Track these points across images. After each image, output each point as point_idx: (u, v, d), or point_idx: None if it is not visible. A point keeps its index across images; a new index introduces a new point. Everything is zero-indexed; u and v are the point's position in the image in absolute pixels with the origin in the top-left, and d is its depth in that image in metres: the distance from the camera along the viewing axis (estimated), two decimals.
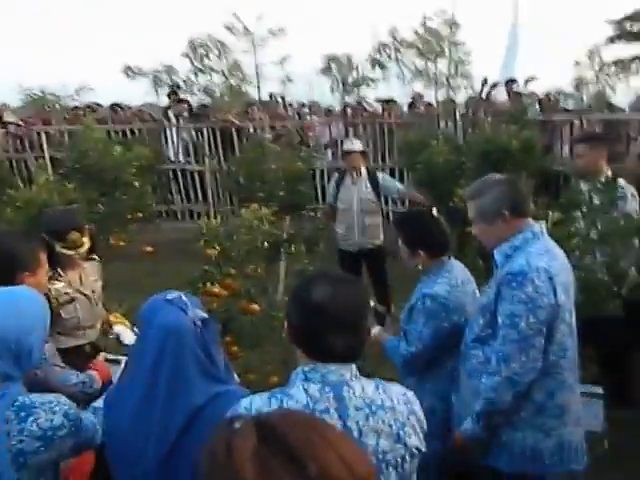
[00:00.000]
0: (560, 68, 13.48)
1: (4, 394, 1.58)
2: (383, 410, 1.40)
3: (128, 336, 2.91)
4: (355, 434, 1.37)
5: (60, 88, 11.64)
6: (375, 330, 2.69)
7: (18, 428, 1.53)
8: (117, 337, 3.00)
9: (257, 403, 1.37)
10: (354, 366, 1.43)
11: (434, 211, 2.66)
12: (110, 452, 1.68)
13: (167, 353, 1.59)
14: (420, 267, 2.55)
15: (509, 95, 8.67)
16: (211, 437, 0.80)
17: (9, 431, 1.52)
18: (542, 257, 2.05)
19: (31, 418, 1.54)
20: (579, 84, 10.92)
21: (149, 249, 7.42)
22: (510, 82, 9.08)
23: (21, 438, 1.52)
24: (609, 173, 3.70)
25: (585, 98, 9.92)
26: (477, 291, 2.62)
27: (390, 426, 1.40)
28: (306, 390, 1.37)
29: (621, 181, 3.57)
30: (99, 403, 1.83)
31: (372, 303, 2.80)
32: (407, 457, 1.42)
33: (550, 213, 3.20)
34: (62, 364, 2.47)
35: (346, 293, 1.42)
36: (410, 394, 1.50)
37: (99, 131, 7.47)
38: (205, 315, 1.67)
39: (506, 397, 2.04)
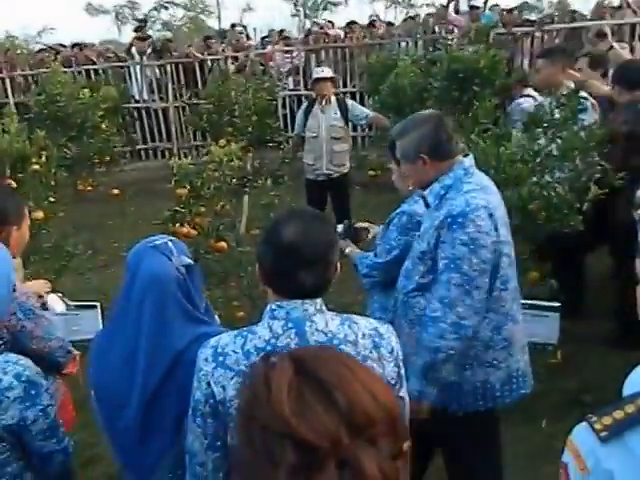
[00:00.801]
0: None
1: None
2: (344, 344, 1.40)
3: (59, 305, 2.80)
4: None
5: (22, 32, 11.17)
6: (348, 249, 2.71)
7: None
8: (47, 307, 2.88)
9: (224, 341, 1.41)
10: (319, 300, 1.45)
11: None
12: (96, 401, 1.70)
13: (150, 302, 1.61)
14: (410, 188, 2.42)
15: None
16: (249, 373, 0.88)
17: None
18: (479, 193, 2.01)
19: None
20: None
21: (115, 191, 7.35)
22: None
23: None
24: (571, 85, 3.70)
25: (547, 8, 9.76)
26: None
27: None
28: (270, 327, 1.40)
29: (582, 92, 3.57)
30: None
31: (343, 226, 2.83)
32: None
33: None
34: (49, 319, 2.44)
35: (315, 230, 1.44)
36: (383, 328, 1.49)
37: (65, 75, 7.21)
38: (190, 261, 1.66)
39: (453, 343, 1.99)
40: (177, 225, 3.60)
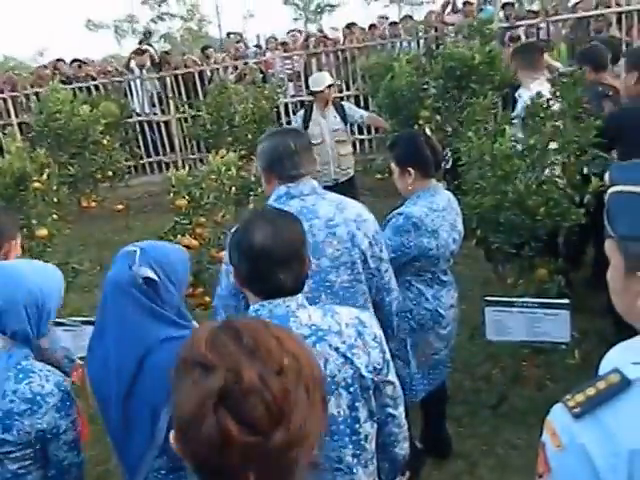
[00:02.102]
0: None
1: (13, 354, 1.65)
2: (330, 334, 1.44)
3: None
4: None
5: (23, 51, 11.28)
6: None
7: (12, 389, 1.59)
8: None
9: None
10: (300, 295, 1.49)
11: (427, 130, 2.69)
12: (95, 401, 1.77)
13: (110, 305, 1.69)
14: (410, 188, 2.57)
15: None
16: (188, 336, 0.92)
17: (5, 390, 1.59)
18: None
19: (26, 381, 1.61)
20: None
21: (120, 207, 7.38)
22: None
23: (12, 398, 1.58)
24: (537, 82, 3.68)
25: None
26: (459, 222, 2.67)
27: (337, 349, 1.44)
28: None
29: (544, 92, 3.46)
30: None
31: None
32: (357, 377, 1.46)
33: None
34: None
35: (285, 230, 1.47)
36: (364, 316, 1.54)
37: (65, 92, 7.25)
38: (150, 275, 1.66)
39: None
40: (178, 236, 3.60)
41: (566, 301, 2.84)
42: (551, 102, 3.26)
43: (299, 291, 1.49)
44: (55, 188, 4.49)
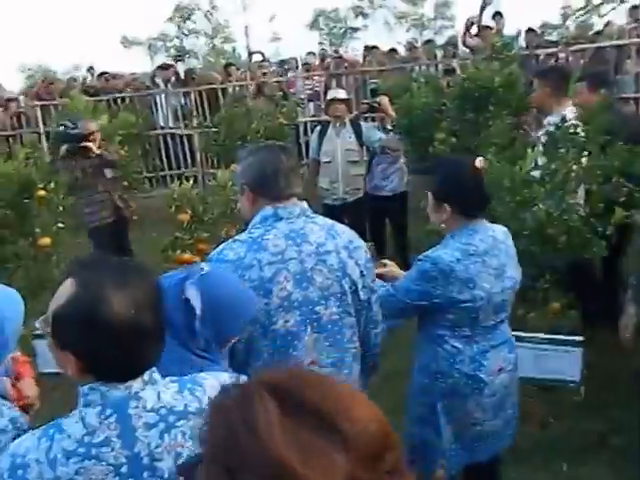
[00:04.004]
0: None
1: None
2: (185, 417, 1.16)
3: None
4: (146, 461, 1.12)
5: (60, 64, 11.60)
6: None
7: None
8: None
9: (26, 444, 1.11)
10: (145, 372, 1.17)
11: (478, 162, 2.20)
12: None
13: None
14: (443, 226, 2.17)
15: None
16: (210, 414, 0.64)
17: None
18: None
19: None
20: (567, 14, 10.56)
21: (133, 218, 7.33)
22: (497, 14, 8.71)
23: None
24: (567, 109, 3.51)
25: (571, 28, 9.60)
26: (511, 267, 2.21)
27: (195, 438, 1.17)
28: (83, 419, 1.11)
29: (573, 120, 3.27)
30: None
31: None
32: None
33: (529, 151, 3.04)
34: None
35: (138, 293, 1.13)
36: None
37: (85, 102, 7.26)
38: (195, 305, 1.47)
39: None
40: (178, 252, 3.48)
41: (579, 338, 2.67)
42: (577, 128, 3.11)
43: (150, 367, 1.18)
44: (62, 197, 4.42)
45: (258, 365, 1.87)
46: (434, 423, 2.19)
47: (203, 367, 1.42)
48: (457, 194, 2.10)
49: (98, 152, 5.07)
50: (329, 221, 1.97)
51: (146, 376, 1.15)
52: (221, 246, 1.89)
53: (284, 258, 1.82)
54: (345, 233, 1.94)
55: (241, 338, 1.81)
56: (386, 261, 2.52)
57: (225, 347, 1.56)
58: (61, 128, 5.24)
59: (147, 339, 1.14)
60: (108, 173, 5.28)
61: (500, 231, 2.22)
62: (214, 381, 1.22)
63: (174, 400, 1.16)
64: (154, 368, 1.18)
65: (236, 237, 1.90)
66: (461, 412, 2.18)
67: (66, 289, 1.13)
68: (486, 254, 2.10)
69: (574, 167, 3.02)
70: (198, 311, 1.46)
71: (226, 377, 1.25)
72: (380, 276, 2.31)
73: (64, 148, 5.14)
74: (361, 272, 1.90)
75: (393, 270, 2.45)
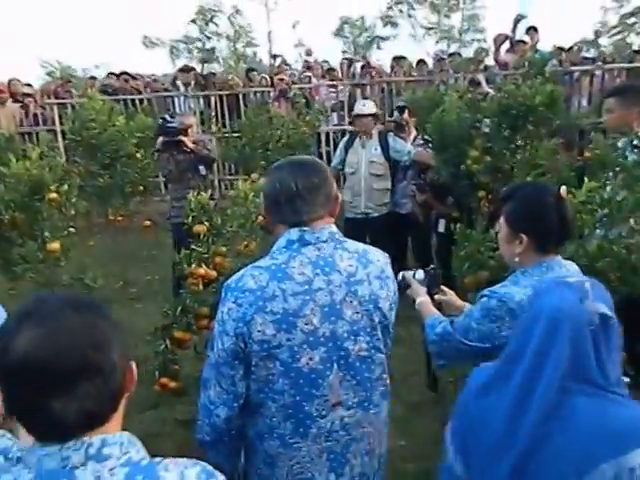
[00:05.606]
0: (581, 15, 12.82)
1: None
2: None
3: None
4: None
5: (81, 63, 11.54)
6: (419, 299, 2.21)
7: None
8: None
9: None
10: (95, 440, 0.96)
11: (562, 190, 1.96)
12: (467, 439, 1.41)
13: (544, 337, 1.29)
14: (516, 260, 1.92)
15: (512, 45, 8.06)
16: None
17: None
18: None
19: None
20: (601, 31, 10.33)
21: (147, 223, 7.20)
22: (531, 29, 8.48)
23: None
24: None
25: (607, 46, 9.37)
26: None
27: None
28: None
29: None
30: None
31: (425, 271, 2.29)
32: None
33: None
34: None
35: (70, 327, 0.95)
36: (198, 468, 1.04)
37: (102, 102, 7.13)
38: (608, 312, 1.29)
39: None
40: (194, 265, 3.27)
41: (626, 380, 2.41)
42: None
43: (90, 429, 0.97)
44: (74, 200, 4.24)
45: (276, 407, 1.69)
46: None
47: None
48: (538, 225, 1.86)
49: (192, 147, 5.01)
50: (361, 246, 1.79)
51: (92, 448, 0.92)
52: (240, 272, 1.71)
53: (311, 289, 1.64)
54: (379, 261, 1.78)
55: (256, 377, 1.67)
56: (445, 289, 2.29)
57: None
58: (160, 121, 5.27)
59: (58, 389, 0.91)
60: (202, 170, 5.21)
61: (574, 270, 1.95)
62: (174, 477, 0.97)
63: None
64: (117, 436, 0.95)
65: (257, 262, 1.72)
66: None
67: None
68: None
69: (624, 194, 2.77)
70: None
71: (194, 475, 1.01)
72: (438, 306, 2.13)
73: (160, 141, 5.17)
74: (390, 305, 1.76)
75: (453, 300, 2.24)
